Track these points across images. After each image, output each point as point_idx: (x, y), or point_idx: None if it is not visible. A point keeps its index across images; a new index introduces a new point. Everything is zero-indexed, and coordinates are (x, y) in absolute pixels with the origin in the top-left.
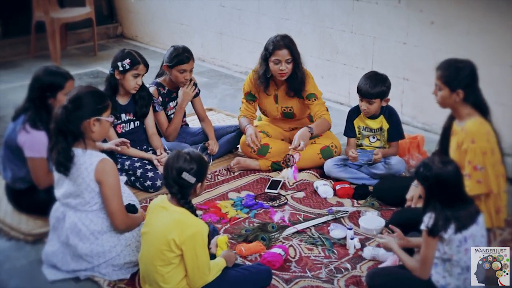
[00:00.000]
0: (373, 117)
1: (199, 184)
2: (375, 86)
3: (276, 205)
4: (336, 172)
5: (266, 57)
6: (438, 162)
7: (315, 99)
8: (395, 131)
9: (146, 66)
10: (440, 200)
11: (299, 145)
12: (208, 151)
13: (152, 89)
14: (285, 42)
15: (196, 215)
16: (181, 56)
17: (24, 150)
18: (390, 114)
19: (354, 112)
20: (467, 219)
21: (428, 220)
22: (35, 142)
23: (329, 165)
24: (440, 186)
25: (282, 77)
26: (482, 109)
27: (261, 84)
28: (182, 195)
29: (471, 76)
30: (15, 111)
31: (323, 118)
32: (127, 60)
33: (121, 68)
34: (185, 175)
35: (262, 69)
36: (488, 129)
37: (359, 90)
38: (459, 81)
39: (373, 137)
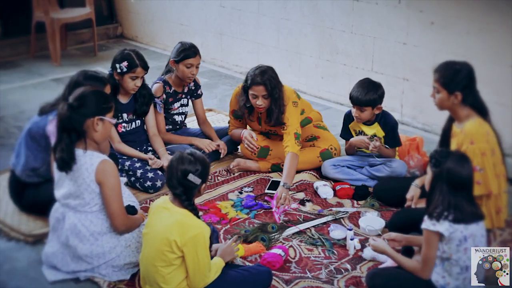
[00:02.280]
0: (368, 123)
1: (204, 185)
2: (366, 94)
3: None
4: (333, 173)
5: (246, 89)
6: (455, 159)
7: (285, 128)
8: (391, 139)
9: (145, 68)
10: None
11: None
12: (221, 155)
13: (158, 85)
14: (262, 78)
15: (198, 217)
16: (188, 51)
17: (51, 139)
18: (386, 123)
19: (349, 116)
20: (468, 214)
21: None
22: None
23: (326, 166)
24: (450, 182)
25: (260, 110)
26: (481, 110)
27: (243, 113)
28: (187, 197)
29: (468, 77)
30: (42, 106)
31: (288, 154)
32: (125, 63)
33: (118, 70)
34: (191, 177)
35: (243, 100)
36: (487, 130)
37: (351, 97)
38: (456, 83)
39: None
